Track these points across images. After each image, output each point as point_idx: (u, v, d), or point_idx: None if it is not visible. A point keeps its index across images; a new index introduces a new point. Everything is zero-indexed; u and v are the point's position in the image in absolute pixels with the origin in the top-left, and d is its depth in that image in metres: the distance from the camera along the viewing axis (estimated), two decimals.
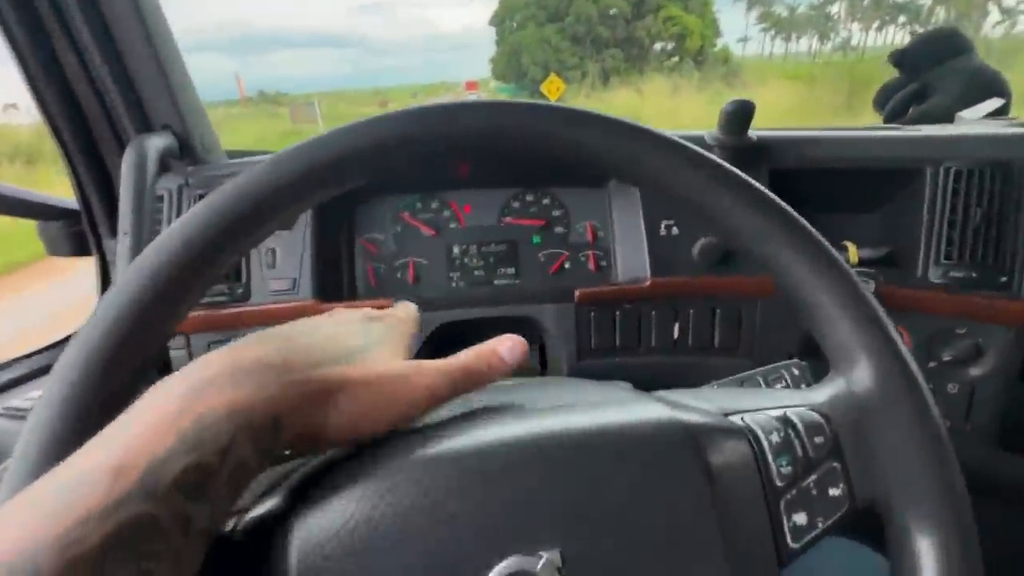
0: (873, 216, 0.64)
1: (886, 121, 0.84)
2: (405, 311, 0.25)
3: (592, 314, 0.57)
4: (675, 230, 0.65)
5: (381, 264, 0.61)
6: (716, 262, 0.58)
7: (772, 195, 0.22)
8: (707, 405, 0.22)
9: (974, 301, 0.53)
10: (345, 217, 0.61)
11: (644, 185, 0.23)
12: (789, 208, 0.22)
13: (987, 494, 0.64)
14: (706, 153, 0.22)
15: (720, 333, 0.64)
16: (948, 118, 0.75)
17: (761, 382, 0.37)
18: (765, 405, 0.22)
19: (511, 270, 0.62)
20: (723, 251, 0.60)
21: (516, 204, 0.63)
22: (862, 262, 0.62)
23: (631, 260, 0.60)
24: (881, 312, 0.21)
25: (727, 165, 0.21)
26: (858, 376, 0.21)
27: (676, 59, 23.07)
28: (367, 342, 0.20)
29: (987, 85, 0.74)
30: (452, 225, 0.62)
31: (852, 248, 0.62)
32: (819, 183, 0.65)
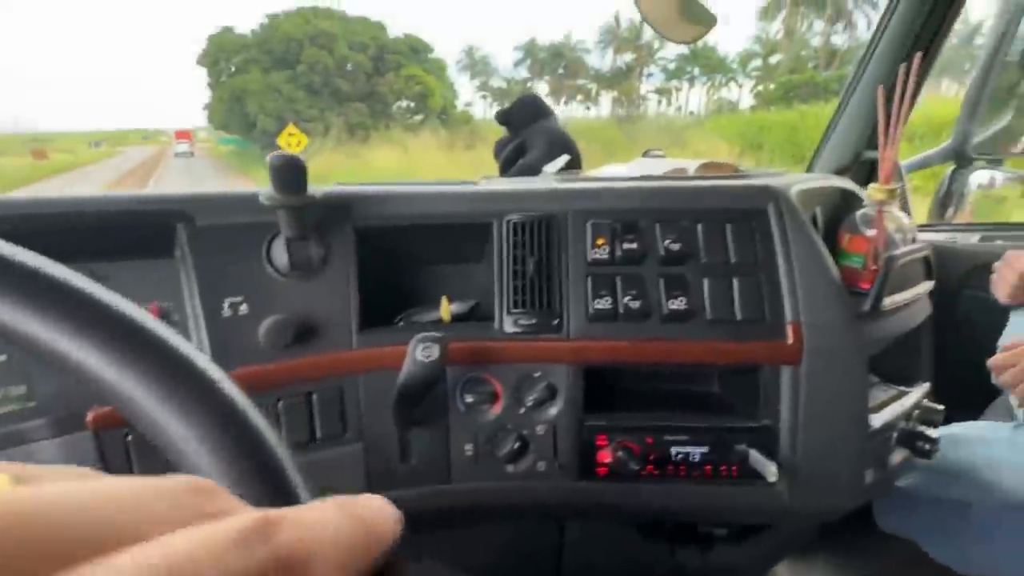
0: (469, 268, 0.65)
1: (501, 171, 0.95)
2: None
3: None
4: (243, 308, 0.55)
5: None
6: (290, 342, 0.54)
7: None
8: None
9: (540, 346, 0.57)
10: None
11: None
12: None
13: (579, 517, 0.74)
14: None
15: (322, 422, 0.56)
16: (538, 170, 0.87)
17: None
18: None
19: None
20: (296, 327, 0.52)
21: None
22: (454, 317, 0.61)
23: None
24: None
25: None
26: None
27: (420, 117, 25.09)
28: None
29: (562, 144, 0.90)
30: None
31: (445, 304, 0.61)
32: (411, 238, 0.64)
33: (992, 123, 1.37)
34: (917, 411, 0.66)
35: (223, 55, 23.15)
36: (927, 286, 0.69)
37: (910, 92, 0.58)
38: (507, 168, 0.95)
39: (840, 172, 1.33)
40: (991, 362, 0.69)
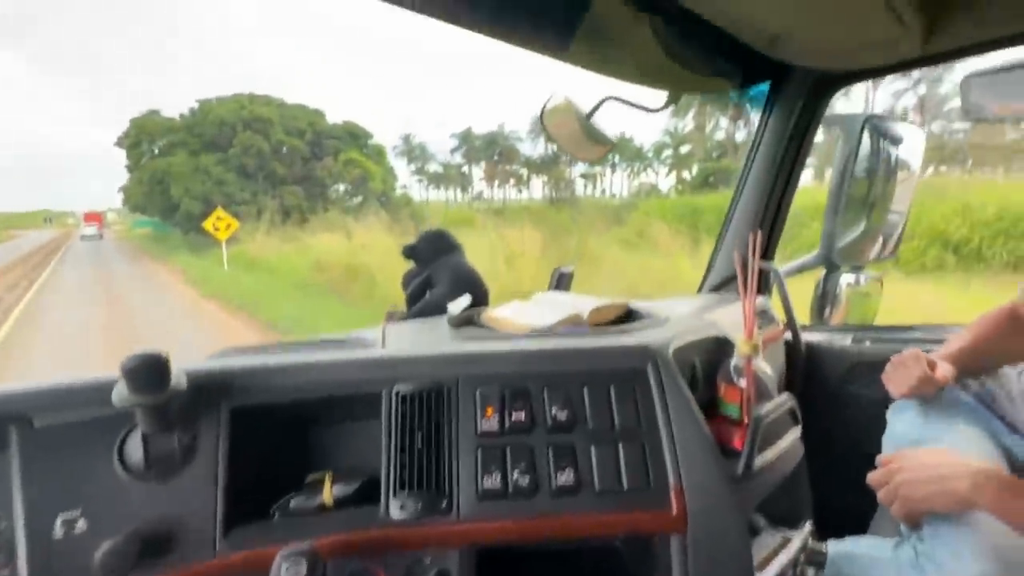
0: (356, 441, 0.62)
1: (407, 304, 0.95)
2: None
3: None
4: (81, 524, 0.48)
5: None
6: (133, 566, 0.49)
7: None
8: None
9: (429, 531, 0.53)
10: None
11: None
12: None
13: None
14: None
15: None
16: (443, 307, 0.88)
17: None
18: None
19: None
20: (144, 543, 0.47)
21: None
22: (337, 502, 0.57)
23: None
24: None
25: None
26: None
27: (360, 199, 25.32)
28: None
29: (467, 280, 0.92)
30: None
31: (327, 487, 0.57)
32: (294, 412, 0.60)
33: (852, 230, 1.57)
34: (803, 554, 0.68)
35: (146, 137, 22.69)
36: (795, 433, 0.74)
37: (757, 262, 0.66)
38: (413, 302, 0.95)
39: (732, 279, 1.46)
40: (869, 478, 0.73)
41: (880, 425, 0.94)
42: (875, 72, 1.29)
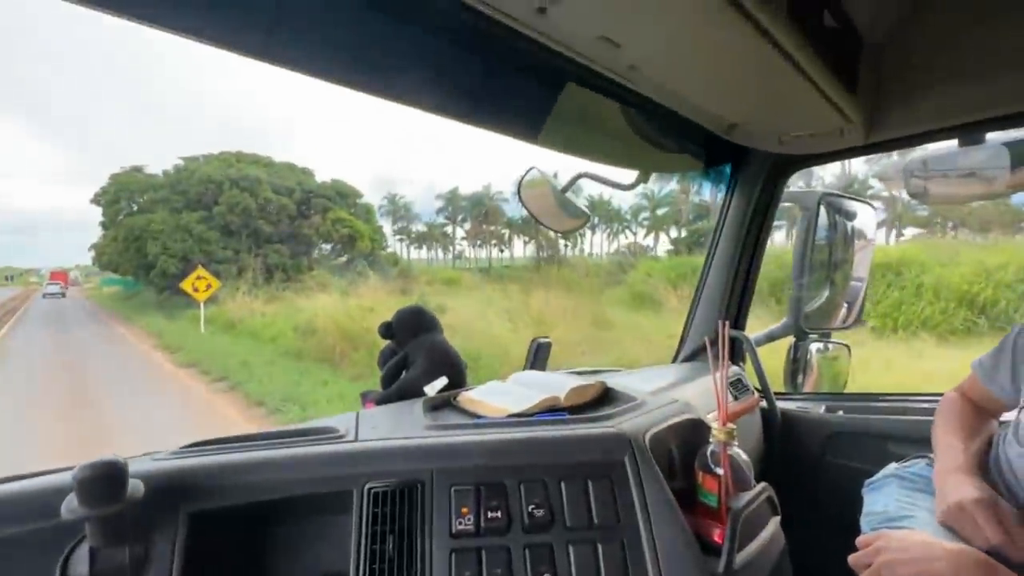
0: (322, 544, 0.58)
1: (383, 384, 0.93)
2: None
3: None
4: None
5: None
6: None
7: None
8: None
9: None
10: None
11: None
12: None
13: None
14: None
15: None
16: (419, 389, 0.86)
17: None
18: None
19: None
20: None
21: None
22: None
23: None
24: None
25: None
26: None
27: (345, 258, 25.33)
28: None
29: (443, 360, 0.92)
30: None
31: None
32: (258, 513, 0.57)
33: (817, 299, 1.63)
34: None
35: (126, 194, 22.47)
36: (775, 523, 0.73)
37: (727, 347, 0.68)
38: (389, 382, 0.94)
39: (702, 351, 1.49)
40: (851, 560, 0.72)
41: (858, 496, 0.94)
42: (826, 157, 1.40)
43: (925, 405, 1.27)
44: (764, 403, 1.35)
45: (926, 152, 1.34)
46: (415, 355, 0.94)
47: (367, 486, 0.56)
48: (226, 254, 20.84)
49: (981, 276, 8.33)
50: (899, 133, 1.24)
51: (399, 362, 0.95)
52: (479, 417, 0.74)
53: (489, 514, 0.56)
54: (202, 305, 11.70)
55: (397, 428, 0.69)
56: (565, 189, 1.50)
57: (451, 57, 0.84)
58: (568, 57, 0.81)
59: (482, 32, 0.69)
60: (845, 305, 1.64)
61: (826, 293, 1.63)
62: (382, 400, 0.90)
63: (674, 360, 1.46)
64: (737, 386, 1.27)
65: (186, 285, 11.54)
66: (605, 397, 0.85)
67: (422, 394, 0.87)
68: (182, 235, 20.36)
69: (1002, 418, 0.94)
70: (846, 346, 1.57)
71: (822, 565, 0.84)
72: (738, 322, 1.46)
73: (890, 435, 1.22)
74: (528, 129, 1.27)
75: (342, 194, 26.87)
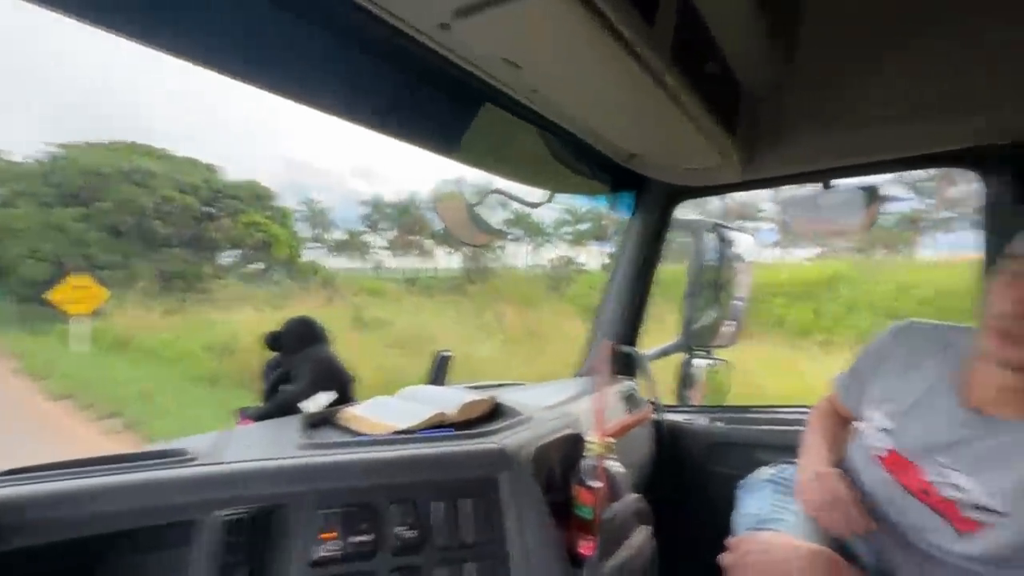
0: None
1: (264, 398, 0.86)
2: None
3: None
4: None
5: None
6: None
7: None
8: None
9: None
10: None
11: None
12: None
13: None
14: None
15: None
16: (298, 407, 0.80)
17: None
18: None
19: None
20: None
21: None
22: None
23: None
24: None
25: None
26: None
27: (261, 266, 23.32)
28: None
29: (329, 376, 0.87)
30: None
31: None
32: (76, 552, 0.48)
33: (706, 317, 1.76)
34: None
35: None
36: (645, 532, 0.77)
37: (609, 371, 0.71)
38: (270, 396, 0.87)
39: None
40: (720, 559, 0.77)
41: (733, 501, 1.02)
42: (712, 190, 1.54)
43: (794, 416, 1.42)
44: (655, 416, 1.44)
45: (798, 191, 1.52)
46: (299, 370, 0.88)
47: (216, 514, 0.51)
48: (112, 259, 18.07)
49: (903, 293, 9.36)
50: (772, 173, 1.40)
51: (281, 376, 0.88)
52: (361, 435, 0.71)
53: (356, 538, 0.53)
54: (83, 319, 9.01)
55: (267, 448, 0.63)
56: (476, 205, 1.51)
57: (364, 65, 0.83)
58: (477, 76, 0.82)
59: (394, 43, 0.69)
60: (728, 324, 1.79)
61: (713, 313, 1.77)
62: (260, 416, 0.83)
63: (577, 374, 1.51)
64: (630, 400, 1.34)
65: (56, 296, 9.00)
66: (495, 413, 0.85)
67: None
68: (54, 235, 17.18)
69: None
70: (728, 362, 1.71)
71: (701, 567, 0.90)
72: (633, 339, 1.54)
73: (762, 443, 1.35)
74: (443, 143, 1.27)
75: (257, 195, 24.86)
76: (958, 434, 0.68)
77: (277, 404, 0.84)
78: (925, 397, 0.73)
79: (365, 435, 0.70)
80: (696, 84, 0.87)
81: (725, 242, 1.71)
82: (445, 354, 1.24)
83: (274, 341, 0.93)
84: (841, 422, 1.01)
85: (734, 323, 1.78)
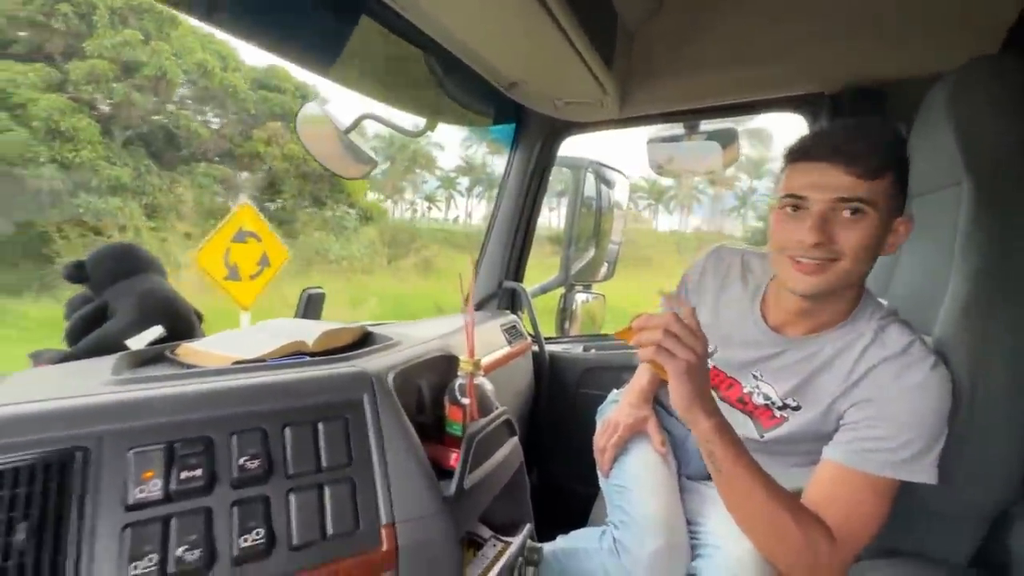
0: None
1: (70, 340, 0.71)
2: None
3: None
4: None
5: None
6: None
7: None
8: None
9: None
10: None
11: None
12: None
13: None
14: None
15: None
16: (121, 346, 0.67)
17: None
18: None
19: None
20: None
21: None
22: None
23: None
24: None
25: None
26: None
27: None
28: None
29: (160, 309, 0.74)
30: None
31: None
32: None
33: (584, 256, 1.84)
34: (521, 557, 0.73)
35: None
36: (512, 443, 0.79)
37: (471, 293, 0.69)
38: (77, 337, 0.72)
39: (489, 299, 1.55)
40: (632, 324, 0.70)
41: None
42: (592, 126, 1.56)
43: None
44: (536, 347, 1.50)
45: (665, 131, 1.60)
46: (120, 303, 0.73)
47: None
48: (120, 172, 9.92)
49: None
50: (646, 111, 1.45)
51: (95, 311, 0.73)
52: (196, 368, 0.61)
53: (184, 474, 0.46)
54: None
55: (65, 388, 0.52)
56: (349, 130, 1.37)
57: None
58: None
59: None
60: (606, 263, 1.90)
61: (591, 252, 1.86)
62: (63, 359, 0.67)
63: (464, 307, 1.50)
64: (512, 332, 1.37)
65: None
66: (363, 342, 0.80)
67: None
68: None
69: None
70: (602, 296, 1.83)
71: (574, 476, 0.96)
72: (517, 275, 1.56)
73: (629, 365, 1.48)
74: (319, 60, 1.13)
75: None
76: (766, 351, 0.79)
77: (93, 344, 0.69)
78: (739, 320, 0.83)
79: (203, 369, 0.61)
80: (576, 9, 0.84)
81: (605, 182, 1.78)
82: (314, 291, 1.13)
83: (77, 271, 0.75)
84: None
85: (609, 263, 1.89)
